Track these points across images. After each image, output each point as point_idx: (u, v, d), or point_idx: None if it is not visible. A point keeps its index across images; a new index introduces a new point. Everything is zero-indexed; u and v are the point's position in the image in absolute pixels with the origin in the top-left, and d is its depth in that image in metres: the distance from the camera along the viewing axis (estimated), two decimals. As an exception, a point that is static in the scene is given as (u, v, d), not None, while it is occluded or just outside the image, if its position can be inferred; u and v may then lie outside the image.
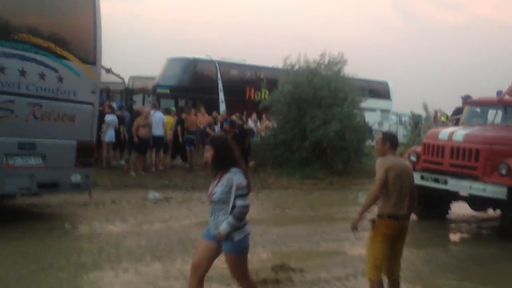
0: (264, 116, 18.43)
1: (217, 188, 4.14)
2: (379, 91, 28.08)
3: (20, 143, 6.91)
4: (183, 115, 14.90)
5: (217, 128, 15.12)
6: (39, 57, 7.04)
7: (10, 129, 6.77)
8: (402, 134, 28.63)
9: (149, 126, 13.11)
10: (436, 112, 14.00)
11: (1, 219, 7.37)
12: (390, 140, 4.76)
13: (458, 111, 11.07)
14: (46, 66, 7.13)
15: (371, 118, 22.72)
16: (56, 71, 7.25)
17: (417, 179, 9.32)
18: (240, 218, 4.09)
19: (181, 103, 21.40)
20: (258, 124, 18.45)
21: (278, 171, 15.13)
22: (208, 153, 4.23)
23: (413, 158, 9.60)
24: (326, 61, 16.64)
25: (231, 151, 4.25)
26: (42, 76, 7.09)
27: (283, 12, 68.64)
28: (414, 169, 9.45)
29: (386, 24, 70.56)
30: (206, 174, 13.82)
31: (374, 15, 70.52)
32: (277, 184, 13.76)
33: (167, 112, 15.30)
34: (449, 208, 10.48)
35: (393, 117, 29.94)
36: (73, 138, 7.59)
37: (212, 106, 19.60)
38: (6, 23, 6.80)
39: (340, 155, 15.38)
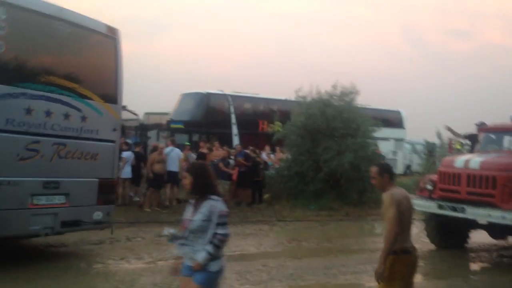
0: (277, 148, 18.45)
1: (196, 216, 4.01)
2: (392, 120, 27.98)
3: (45, 182, 6.98)
4: (204, 149, 15.06)
5: (231, 161, 15.12)
6: (64, 98, 7.21)
7: (35, 169, 6.85)
8: (416, 163, 28.40)
9: (163, 161, 13.19)
10: (450, 140, 13.86)
11: (17, 259, 7.40)
12: (388, 172, 4.53)
13: (473, 138, 10.98)
14: (71, 106, 7.29)
15: (385, 148, 22.62)
16: (80, 110, 7.42)
17: (434, 208, 9.24)
18: (219, 247, 3.98)
19: (195, 137, 21.55)
20: (272, 156, 18.46)
21: (292, 203, 15.05)
22: (187, 181, 4.13)
23: (429, 187, 9.50)
24: (338, 92, 16.72)
25: (210, 178, 4.17)
26: (66, 116, 7.24)
27: (294, 44, 69.63)
28: (431, 198, 9.37)
29: (395, 53, 71.06)
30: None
31: (384, 45, 71.10)
32: (292, 216, 13.66)
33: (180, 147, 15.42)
34: (468, 236, 10.29)
35: (407, 146, 29.75)
36: (95, 176, 7.67)
37: (225, 140, 19.69)
38: (34, 66, 7.03)
39: (355, 185, 15.28)
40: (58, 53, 7.41)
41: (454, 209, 8.88)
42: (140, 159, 13.97)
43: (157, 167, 12.99)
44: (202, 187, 4.11)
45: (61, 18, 7.23)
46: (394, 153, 26.87)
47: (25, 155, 6.72)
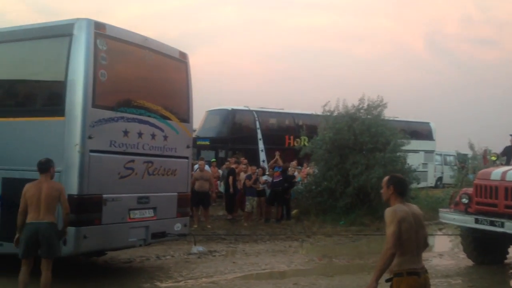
0: (305, 163, 18.28)
1: None
2: (421, 132, 27.57)
3: (139, 197, 7.60)
4: (234, 166, 14.98)
5: (265, 177, 14.97)
6: (151, 120, 7.83)
7: (132, 186, 7.46)
8: (448, 175, 27.78)
9: (203, 179, 13.15)
10: (485, 151, 13.44)
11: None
12: (394, 185, 4.19)
13: (508, 150, 10.62)
14: (156, 127, 7.91)
15: (415, 160, 22.19)
16: (162, 130, 8.03)
17: (471, 222, 8.92)
18: None
19: (221, 154, 21.56)
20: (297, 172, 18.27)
21: (322, 219, 14.81)
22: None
23: (465, 201, 9.18)
24: (365, 105, 16.52)
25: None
26: (153, 136, 7.85)
27: (318, 58, 69.60)
28: (467, 212, 9.05)
29: (421, 64, 70.17)
30: (249, 225, 13.67)
31: (409, 56, 70.35)
32: (321, 232, 13.43)
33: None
34: (507, 252, 9.89)
35: (438, 158, 29.18)
36: (175, 190, 8.31)
37: (252, 156, 19.63)
38: (128, 92, 7.66)
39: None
40: (145, 79, 8.01)
41: (492, 223, 8.53)
42: None
43: (197, 185, 12.92)
44: None
45: (147, 46, 7.85)
46: (424, 165, 26.34)
47: (124, 173, 7.36)
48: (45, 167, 6.13)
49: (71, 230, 6.56)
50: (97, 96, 6.98)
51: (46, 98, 7.79)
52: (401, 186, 4.22)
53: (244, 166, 15.32)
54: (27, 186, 6.03)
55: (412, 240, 4.04)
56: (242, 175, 14.71)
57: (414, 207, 4.24)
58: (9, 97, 8.10)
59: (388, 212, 4.08)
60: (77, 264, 8.54)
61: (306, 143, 17.94)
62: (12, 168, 7.00)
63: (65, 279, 7.07)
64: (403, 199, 4.21)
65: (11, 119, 7.46)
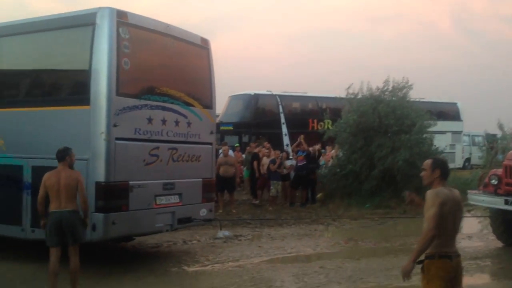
0: (329, 146, 18.18)
1: None
2: (448, 113, 27.07)
3: (164, 184, 7.70)
4: (257, 150, 14.98)
5: (289, 162, 14.95)
6: (174, 107, 7.88)
7: (157, 172, 7.56)
8: (476, 156, 27.24)
9: (227, 164, 13.23)
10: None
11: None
12: (441, 168, 4.17)
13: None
14: (179, 113, 7.96)
15: (442, 141, 21.83)
16: (186, 117, 8.08)
17: (500, 203, 8.76)
18: None
19: (245, 138, 21.60)
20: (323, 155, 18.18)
21: (347, 202, 14.75)
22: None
23: (494, 182, 9.01)
24: (390, 87, 16.27)
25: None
26: (177, 123, 7.90)
27: (342, 40, 68.69)
28: (496, 193, 8.88)
29: (448, 44, 68.55)
30: (274, 210, 13.71)
31: (435, 36, 68.76)
32: (347, 215, 13.38)
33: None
34: (538, 233, 9.67)
35: (466, 139, 28.62)
36: (199, 176, 8.39)
37: (275, 140, 19.61)
38: (151, 80, 7.70)
39: (412, 182, 14.73)
40: (168, 66, 8.04)
41: (523, 204, 8.35)
42: None
43: (222, 170, 12.99)
44: None
45: (168, 34, 7.85)
46: (452, 146, 25.88)
47: (149, 160, 7.45)
48: (63, 155, 6.14)
49: (100, 216, 6.71)
50: (121, 84, 7.04)
51: (71, 87, 7.90)
52: (447, 169, 4.23)
53: (266, 150, 15.32)
54: (47, 174, 6.09)
55: (449, 224, 4.04)
56: (265, 160, 14.72)
57: (455, 191, 4.22)
58: (36, 87, 8.26)
59: (430, 194, 4.07)
60: (106, 249, 8.72)
61: (330, 127, 17.81)
62: (41, 157, 7.14)
63: (94, 265, 7.21)
64: (446, 182, 4.20)
65: (38, 109, 7.60)
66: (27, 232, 7.20)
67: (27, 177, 7.33)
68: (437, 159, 4.40)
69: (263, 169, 14.58)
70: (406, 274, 3.99)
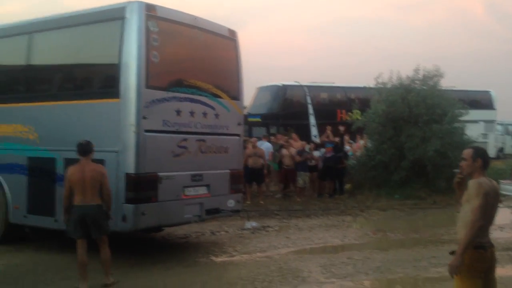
0: (358, 136, 18.02)
1: None
2: (481, 101, 26.44)
3: (192, 175, 7.78)
4: (282, 141, 14.99)
5: (317, 153, 14.87)
6: (202, 98, 7.93)
7: (185, 164, 7.66)
8: (510, 145, 26.57)
9: (256, 155, 13.27)
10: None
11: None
12: (482, 158, 4.05)
13: None
14: (207, 105, 8.01)
15: (474, 131, 21.36)
16: (213, 109, 8.13)
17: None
18: None
19: (273, 130, 21.61)
20: (352, 145, 18.04)
21: (376, 193, 14.63)
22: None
23: (528, 172, 8.79)
24: (421, 76, 15.98)
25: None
26: (204, 114, 7.96)
27: (371, 30, 67.62)
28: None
29: (480, 30, 66.67)
30: (302, 201, 13.71)
31: (467, 23, 67.01)
32: (375, 206, 13.28)
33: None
34: None
35: (499, 128, 27.92)
36: (227, 168, 8.43)
37: (303, 131, 19.54)
38: (179, 72, 7.82)
39: (443, 172, 14.49)
40: (196, 58, 8.09)
41: (557, 195, 8.14)
42: None
43: (250, 161, 13.04)
44: None
45: (196, 26, 7.91)
46: (485, 135, 25.29)
47: (177, 152, 7.52)
48: (86, 150, 6.23)
49: (130, 207, 6.84)
50: (150, 77, 7.13)
51: (102, 81, 8.03)
52: (488, 159, 4.14)
53: (293, 141, 15.27)
54: (71, 169, 6.18)
55: (488, 215, 3.97)
56: (292, 151, 14.69)
57: (494, 182, 4.14)
58: (67, 81, 8.43)
59: (474, 184, 3.98)
60: (136, 239, 8.91)
61: (358, 117, 17.65)
62: (73, 149, 7.31)
63: (124, 255, 7.38)
64: (486, 172, 4.11)
65: (70, 102, 7.78)
66: (60, 223, 7.41)
67: (60, 169, 7.52)
68: (478, 148, 4.24)
69: (287, 161, 14.43)
70: (454, 270, 3.90)
